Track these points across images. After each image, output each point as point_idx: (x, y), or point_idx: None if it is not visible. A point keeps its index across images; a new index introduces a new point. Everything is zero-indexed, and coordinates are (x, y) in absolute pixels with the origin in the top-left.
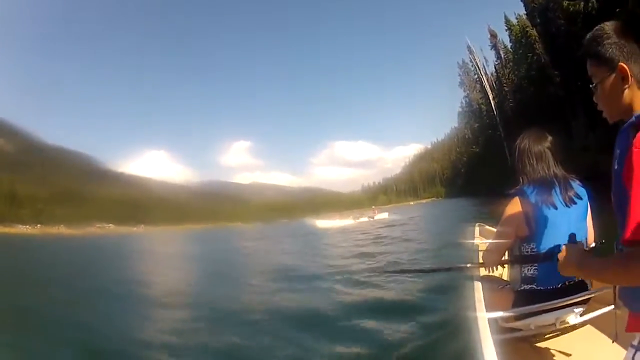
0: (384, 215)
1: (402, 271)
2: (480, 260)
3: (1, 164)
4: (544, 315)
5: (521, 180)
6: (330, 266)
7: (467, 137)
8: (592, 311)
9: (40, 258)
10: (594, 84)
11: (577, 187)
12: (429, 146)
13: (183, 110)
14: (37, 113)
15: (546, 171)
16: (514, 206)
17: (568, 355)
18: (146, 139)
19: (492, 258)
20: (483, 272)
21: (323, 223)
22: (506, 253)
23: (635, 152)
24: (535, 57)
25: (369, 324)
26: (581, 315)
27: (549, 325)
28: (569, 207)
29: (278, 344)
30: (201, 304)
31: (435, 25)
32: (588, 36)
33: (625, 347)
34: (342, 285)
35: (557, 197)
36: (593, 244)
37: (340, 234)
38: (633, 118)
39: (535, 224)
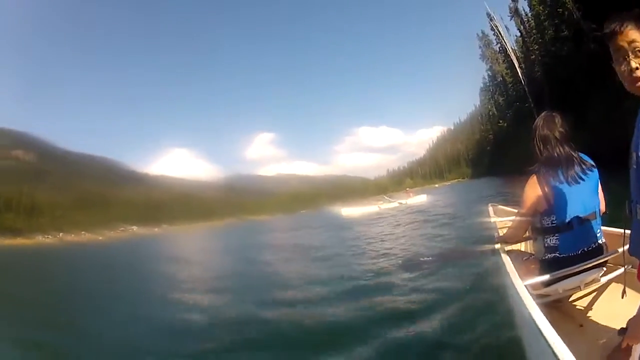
0: (422, 199)
1: (423, 265)
2: (502, 237)
3: (21, 174)
4: (569, 279)
5: (538, 159)
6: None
7: (491, 113)
8: (612, 272)
9: (60, 269)
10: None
11: (583, 166)
12: (452, 127)
13: (203, 107)
14: (54, 120)
15: (552, 153)
16: (533, 183)
17: (595, 311)
18: (168, 138)
19: (516, 233)
20: (504, 248)
21: (348, 211)
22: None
23: None
24: (567, 14)
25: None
26: (602, 276)
27: (574, 288)
28: (577, 183)
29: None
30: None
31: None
32: None
33: None
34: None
35: (563, 176)
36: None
37: (360, 224)
38: None
39: (552, 199)
